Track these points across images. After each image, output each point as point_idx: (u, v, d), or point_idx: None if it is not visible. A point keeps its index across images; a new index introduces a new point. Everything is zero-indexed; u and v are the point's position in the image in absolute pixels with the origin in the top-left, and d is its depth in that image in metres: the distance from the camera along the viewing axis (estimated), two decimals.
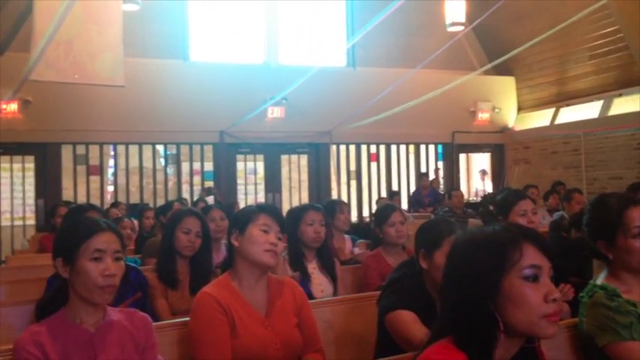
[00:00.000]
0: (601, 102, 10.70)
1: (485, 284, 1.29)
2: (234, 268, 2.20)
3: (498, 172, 12.72)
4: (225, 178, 10.84)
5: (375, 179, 12.09)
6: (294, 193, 11.52)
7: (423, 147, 12.43)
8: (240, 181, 11.22)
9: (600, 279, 2.03)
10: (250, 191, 11.31)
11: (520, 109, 12.59)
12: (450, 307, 1.35)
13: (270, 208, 2.26)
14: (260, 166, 11.36)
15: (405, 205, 10.60)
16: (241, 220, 2.23)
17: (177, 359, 2.21)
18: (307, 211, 3.31)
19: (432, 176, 11.68)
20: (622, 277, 1.99)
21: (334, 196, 11.14)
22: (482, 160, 13.01)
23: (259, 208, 2.25)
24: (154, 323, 2.18)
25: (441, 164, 12.53)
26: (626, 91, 10.15)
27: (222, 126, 10.37)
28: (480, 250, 1.33)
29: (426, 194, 10.27)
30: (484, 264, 1.31)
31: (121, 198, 10.03)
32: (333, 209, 4.35)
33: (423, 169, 12.17)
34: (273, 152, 11.22)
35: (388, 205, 3.80)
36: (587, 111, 10.90)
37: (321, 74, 10.05)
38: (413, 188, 11.65)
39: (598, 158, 10.31)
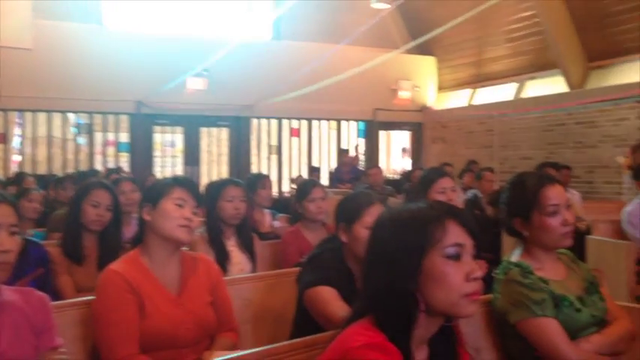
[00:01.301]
0: (515, 84, 11.07)
1: (408, 263, 1.25)
2: (145, 244, 2.08)
3: (417, 150, 12.98)
4: (141, 150, 10.48)
5: (295, 154, 12.05)
6: (214, 167, 11.31)
7: (344, 123, 12.48)
8: (157, 153, 10.88)
9: (515, 256, 2.05)
10: (168, 164, 11.00)
11: (440, 88, 12.85)
12: (370, 286, 1.30)
13: (185, 181, 2.15)
14: (178, 139, 11.05)
15: (325, 182, 10.63)
16: (154, 193, 2.11)
17: (79, 341, 2.06)
18: (227, 187, 3.19)
19: (352, 153, 11.76)
20: (536, 255, 2.02)
21: (254, 170, 11.03)
22: (402, 138, 13.21)
23: (174, 181, 2.14)
24: (56, 302, 2.03)
25: (361, 141, 12.64)
26: (539, 75, 10.55)
27: (139, 96, 9.98)
28: (404, 228, 1.29)
29: (346, 171, 10.31)
30: (407, 242, 1.27)
31: (28, 169, 9.50)
32: (255, 184, 4.25)
33: (344, 146, 12.24)
34: (192, 124, 10.93)
35: (309, 181, 3.75)
36: (502, 93, 11.26)
37: (244, 47, 9.84)
38: (334, 164, 11.70)
39: (510, 139, 10.68)
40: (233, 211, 3.14)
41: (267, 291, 2.72)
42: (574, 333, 1.88)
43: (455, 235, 1.27)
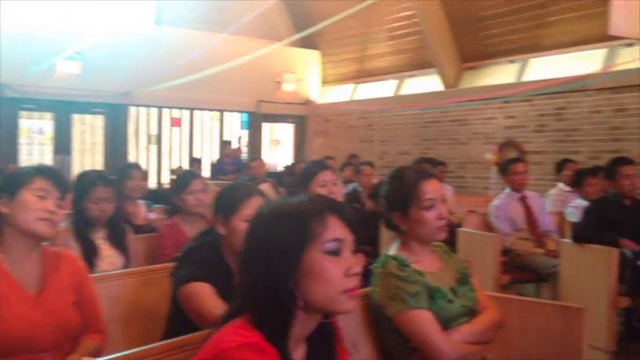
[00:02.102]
0: (396, 81, 11.43)
1: (286, 259, 1.20)
2: (1, 239, 1.89)
3: (300, 143, 13.05)
4: (5, 137, 9.68)
5: (176, 145, 11.70)
6: (87, 156, 10.70)
7: (227, 114, 12.29)
8: (23, 140, 10.11)
9: (392, 250, 2.08)
10: (35, 152, 10.26)
11: (324, 82, 12.99)
12: (247, 283, 1.24)
13: (48, 171, 1.97)
14: (48, 125, 10.33)
15: (207, 173, 10.41)
16: (12, 183, 1.92)
17: None
18: (95, 187, 2.96)
19: (235, 145, 11.61)
20: (412, 248, 2.05)
21: (132, 160, 10.57)
22: (286, 131, 13.23)
23: (35, 170, 1.95)
24: None
25: (245, 133, 12.52)
26: (418, 73, 10.96)
27: (3, 78, 9.21)
28: (283, 223, 1.24)
29: (228, 162, 10.16)
30: (286, 237, 1.22)
31: None
32: (124, 175, 4.05)
33: (227, 137, 12.06)
34: (63, 110, 10.25)
35: (188, 172, 3.62)
36: (383, 89, 11.59)
37: (123, 31, 9.39)
38: (216, 156, 11.49)
39: (389, 134, 11.03)
40: (98, 213, 2.96)
41: (139, 288, 2.57)
42: (446, 323, 1.93)
43: (335, 229, 1.24)
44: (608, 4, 5.26)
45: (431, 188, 2.03)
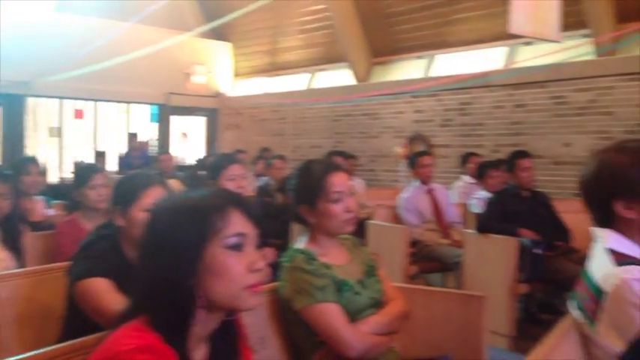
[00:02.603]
0: (308, 75, 11.46)
1: (186, 255, 1.15)
2: None
3: (212, 137, 12.84)
4: None
5: (80, 138, 11.19)
6: None
7: (135, 107, 11.89)
8: None
9: (301, 243, 2.06)
10: None
11: (235, 75, 12.83)
12: (144, 281, 1.18)
13: None
14: None
15: (114, 167, 10.03)
16: None
17: None
18: None
19: (143, 138, 11.26)
20: (320, 241, 2.04)
21: (30, 154, 10.00)
22: (197, 124, 12.97)
23: None
24: None
25: (154, 126, 12.16)
26: (329, 67, 11.04)
27: None
28: (183, 217, 1.18)
29: (136, 156, 9.84)
30: (186, 232, 1.16)
31: None
32: (19, 170, 3.81)
33: (135, 130, 11.67)
34: None
35: (89, 166, 3.45)
36: (295, 82, 11.59)
37: (23, 18, 8.84)
38: (123, 149, 11.09)
39: (302, 127, 11.05)
40: None
41: (35, 287, 2.42)
42: (354, 315, 1.94)
43: (237, 224, 1.20)
44: (509, 4, 5.48)
45: (338, 181, 2.02)
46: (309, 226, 2.06)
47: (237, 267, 1.17)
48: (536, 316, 4.55)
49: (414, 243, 4.91)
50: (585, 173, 1.65)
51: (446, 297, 2.45)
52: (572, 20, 6.90)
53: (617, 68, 7.15)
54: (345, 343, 1.85)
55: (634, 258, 1.50)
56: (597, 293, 1.50)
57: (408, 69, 9.92)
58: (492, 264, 4.26)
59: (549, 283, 4.12)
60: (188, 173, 7.34)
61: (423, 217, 5.05)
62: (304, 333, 1.93)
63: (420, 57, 9.76)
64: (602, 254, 1.56)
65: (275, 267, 2.14)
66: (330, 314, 1.87)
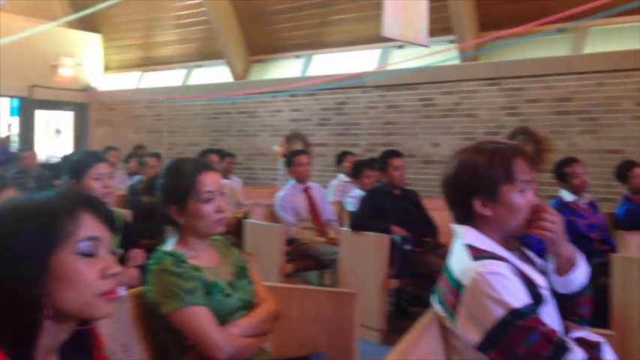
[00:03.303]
0: (184, 71, 11.19)
1: (32, 262, 1.05)
2: None
3: (81, 133, 12.17)
4: None
5: None
6: None
7: None
8: None
9: (169, 245, 1.99)
10: None
11: (106, 68, 12.25)
12: None
13: None
14: None
15: None
16: None
17: None
18: None
19: (3, 133, 10.46)
20: (190, 243, 1.98)
21: None
22: (65, 119, 12.23)
23: None
24: None
25: (15, 120, 11.32)
26: (206, 63, 10.85)
27: None
28: (27, 222, 1.08)
29: None
30: (31, 238, 1.06)
31: None
32: None
33: None
34: None
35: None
36: (171, 78, 11.27)
37: None
38: None
39: (178, 124, 10.77)
40: None
41: None
42: (224, 318, 1.90)
43: (89, 227, 1.11)
44: (382, 8, 5.65)
45: (209, 181, 1.97)
46: (178, 228, 2.00)
47: (89, 273, 1.09)
48: (406, 309, 4.73)
49: (291, 241, 4.93)
50: (446, 173, 1.72)
51: (319, 295, 2.48)
52: (439, 27, 7.25)
53: (480, 73, 7.62)
54: (214, 346, 1.80)
55: (490, 252, 1.58)
56: (456, 287, 1.56)
57: (286, 68, 9.97)
58: (366, 260, 4.37)
59: (418, 277, 4.30)
60: (37, 173, 6.87)
61: (300, 215, 5.09)
62: (172, 338, 1.87)
63: (297, 56, 9.85)
64: (460, 249, 1.63)
65: (145, 269, 2.06)
66: (199, 318, 1.82)
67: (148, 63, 11.63)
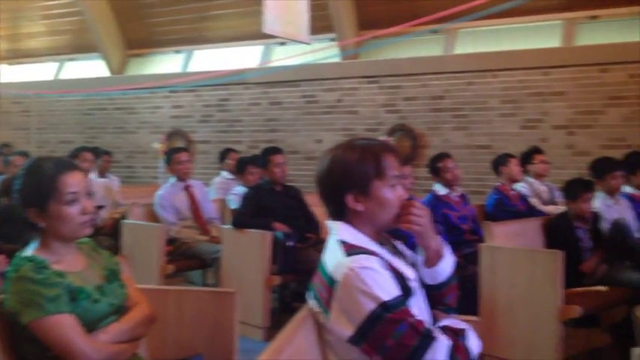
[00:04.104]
0: (55, 64, 10.56)
1: None
2: None
3: None
4: None
5: None
6: None
7: None
8: None
9: (30, 250, 1.86)
10: None
11: None
12: None
13: None
14: None
15: None
16: None
17: None
18: None
19: None
20: (53, 247, 1.86)
21: None
22: None
23: None
24: None
25: None
26: (80, 57, 10.30)
27: None
28: None
29: None
30: None
31: None
32: None
33: None
34: None
35: None
36: (41, 72, 10.61)
37: None
38: None
39: (49, 121, 10.16)
40: None
41: None
42: (93, 324, 1.80)
43: None
44: (262, 5, 5.63)
45: (72, 181, 1.85)
46: (39, 231, 1.87)
47: None
48: (290, 305, 4.75)
49: (172, 241, 4.81)
50: (320, 169, 1.74)
51: (197, 296, 2.43)
52: (320, 25, 7.34)
53: (360, 71, 7.81)
54: (80, 355, 1.71)
55: (362, 248, 1.61)
56: (330, 283, 1.58)
57: (166, 63, 9.69)
58: (248, 258, 4.35)
59: (301, 273, 4.33)
60: None
61: (181, 214, 4.97)
62: (35, 349, 1.75)
63: (178, 51, 9.60)
64: (334, 246, 1.65)
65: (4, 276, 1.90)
66: (64, 326, 1.71)
67: (15, 55, 10.86)
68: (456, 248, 4.32)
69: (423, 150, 7.23)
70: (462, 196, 4.79)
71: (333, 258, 1.63)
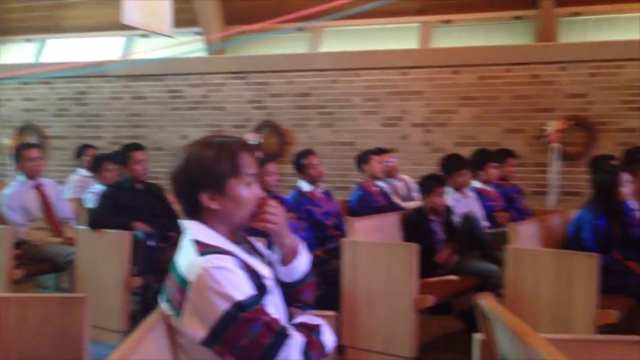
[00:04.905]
0: None
1: None
2: None
3: None
4: None
5: None
6: None
7: None
8: None
9: None
10: None
11: None
12: None
13: None
14: None
15: None
16: None
17: None
18: None
19: None
20: None
21: None
22: None
23: None
24: None
25: None
26: None
27: None
28: None
29: None
30: None
31: None
32: None
33: None
34: None
35: None
36: None
37: None
38: None
39: None
40: None
41: None
42: None
43: None
44: None
45: None
46: None
47: None
48: (153, 307, 4.58)
49: (21, 244, 4.46)
50: (174, 166, 1.68)
51: (43, 302, 2.26)
52: (185, 18, 7.17)
53: (227, 67, 7.72)
54: None
55: (216, 247, 1.58)
56: (182, 284, 1.53)
57: (16, 52, 8.99)
58: (106, 260, 4.15)
59: (164, 273, 4.18)
60: None
61: (30, 214, 4.63)
62: None
63: (29, 40, 8.94)
64: (188, 245, 1.60)
65: None
66: None
67: None
68: (320, 244, 4.44)
69: (289, 147, 7.30)
70: (326, 193, 4.89)
71: (186, 258, 1.58)
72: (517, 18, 7.14)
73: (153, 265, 4.17)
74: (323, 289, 4.05)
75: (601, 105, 6.35)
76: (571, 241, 3.82)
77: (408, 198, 5.47)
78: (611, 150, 5.80)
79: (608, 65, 6.32)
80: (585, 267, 3.24)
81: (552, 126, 6.37)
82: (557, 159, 6.39)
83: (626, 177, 3.75)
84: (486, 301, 1.89)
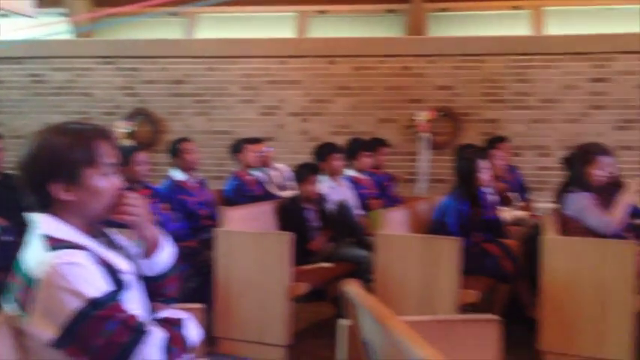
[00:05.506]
0: None
1: None
2: None
3: None
4: None
5: None
6: None
7: None
8: None
9: None
10: None
11: None
12: None
13: None
14: None
15: None
16: None
17: None
18: None
19: None
20: None
21: None
22: None
23: None
24: None
25: None
26: None
27: None
28: None
29: None
30: None
31: None
32: None
33: None
34: None
35: None
36: None
37: None
38: None
39: None
40: None
41: None
42: None
43: None
44: None
45: None
46: None
47: None
48: None
49: None
50: (23, 154, 1.55)
51: None
52: None
53: (95, 51, 7.33)
54: None
55: (68, 242, 1.48)
56: (29, 282, 1.43)
57: None
58: None
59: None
60: None
61: None
62: None
63: None
64: (36, 241, 1.49)
65: None
66: None
67: None
68: (193, 234, 4.34)
69: (164, 135, 7.07)
70: (201, 182, 4.78)
71: (34, 255, 1.47)
72: (390, 11, 7.37)
73: (9, 261, 3.86)
74: (196, 280, 3.97)
75: (465, 97, 6.72)
76: (437, 226, 4.01)
77: (283, 187, 5.49)
78: (475, 139, 6.15)
79: (472, 59, 6.69)
80: (449, 250, 3.41)
81: (422, 116, 6.66)
82: (426, 148, 6.69)
83: (483, 164, 3.99)
84: (351, 287, 1.92)
